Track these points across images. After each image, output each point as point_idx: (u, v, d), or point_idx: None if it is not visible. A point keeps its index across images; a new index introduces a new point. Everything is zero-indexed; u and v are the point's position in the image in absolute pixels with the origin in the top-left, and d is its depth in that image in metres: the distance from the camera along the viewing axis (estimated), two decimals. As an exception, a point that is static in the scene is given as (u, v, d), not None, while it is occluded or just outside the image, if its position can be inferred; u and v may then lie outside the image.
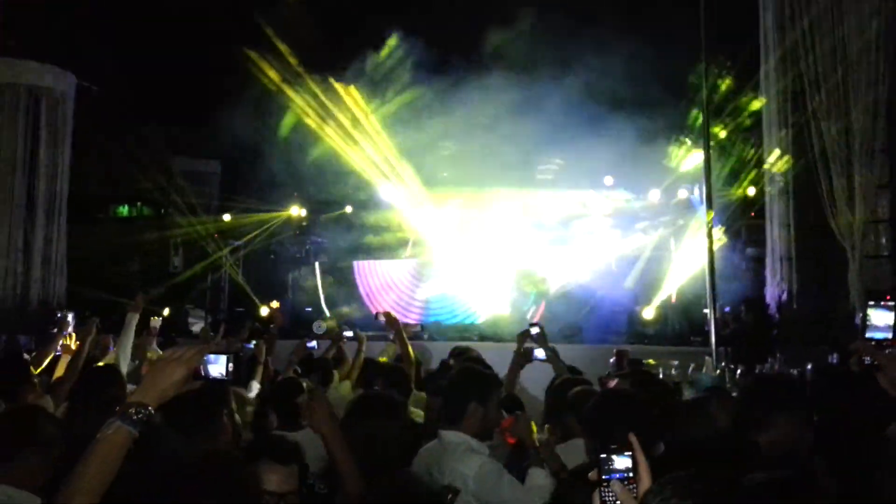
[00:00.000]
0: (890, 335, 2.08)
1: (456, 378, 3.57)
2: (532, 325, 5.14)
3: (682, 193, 11.90)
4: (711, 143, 8.34)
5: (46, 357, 4.82)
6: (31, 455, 2.86)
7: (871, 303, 2.11)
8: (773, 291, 8.47)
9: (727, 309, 10.06)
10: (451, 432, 3.23)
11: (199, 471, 1.97)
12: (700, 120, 8.44)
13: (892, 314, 2.09)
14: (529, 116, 10.42)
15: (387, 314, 6.24)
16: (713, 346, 7.19)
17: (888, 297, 2.11)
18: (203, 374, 2.12)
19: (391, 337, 6.21)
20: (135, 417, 1.90)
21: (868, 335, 2.10)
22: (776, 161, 8.29)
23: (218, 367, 2.17)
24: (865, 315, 2.10)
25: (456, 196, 12.22)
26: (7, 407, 3.68)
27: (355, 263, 12.67)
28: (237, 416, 3.75)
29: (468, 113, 10.55)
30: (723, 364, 6.65)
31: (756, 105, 9.38)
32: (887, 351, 2.06)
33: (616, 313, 10.96)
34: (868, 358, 2.08)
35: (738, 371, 6.16)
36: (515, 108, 10.51)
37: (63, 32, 10.23)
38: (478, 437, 3.23)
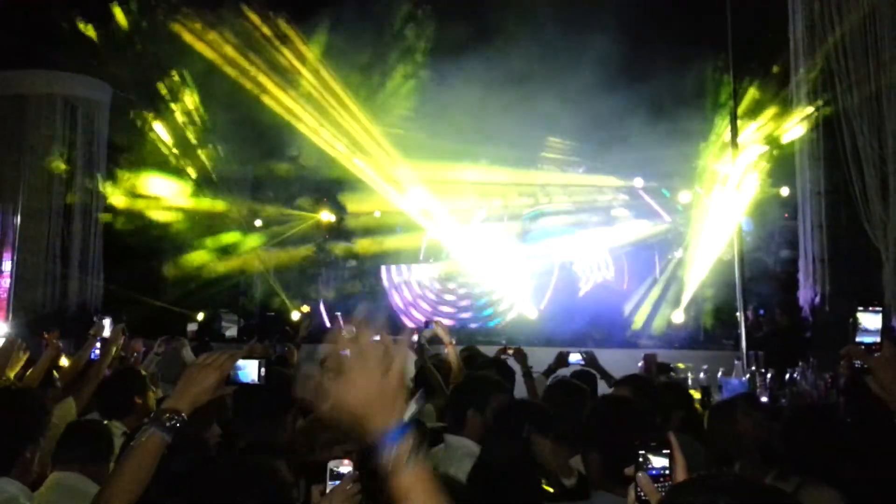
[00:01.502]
0: (879, 339, 2.10)
1: (456, 386, 3.67)
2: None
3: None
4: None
5: (82, 361, 4.88)
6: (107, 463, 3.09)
7: (861, 307, 2.13)
8: (807, 294, 8.34)
9: (762, 311, 9.95)
10: (456, 437, 3.31)
11: (236, 472, 2.01)
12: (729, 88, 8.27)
13: (881, 318, 2.11)
14: (551, 108, 10.37)
15: (438, 322, 6.17)
16: (743, 350, 7.12)
17: (877, 302, 2.14)
18: (234, 379, 2.16)
19: (413, 342, 6.08)
20: (168, 424, 1.95)
21: (858, 339, 2.12)
22: (808, 160, 8.17)
23: (249, 372, 2.19)
24: (856, 319, 2.12)
25: (478, 198, 12.28)
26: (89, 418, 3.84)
27: (383, 267, 12.76)
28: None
29: (486, 110, 10.46)
30: (752, 368, 6.58)
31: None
32: (876, 355, 2.08)
33: (648, 317, 10.90)
34: (858, 362, 2.10)
35: (769, 375, 6.09)
36: (536, 99, 10.45)
37: (99, 43, 10.47)
38: (481, 443, 3.28)
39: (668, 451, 1.57)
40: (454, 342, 5.36)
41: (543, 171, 12.49)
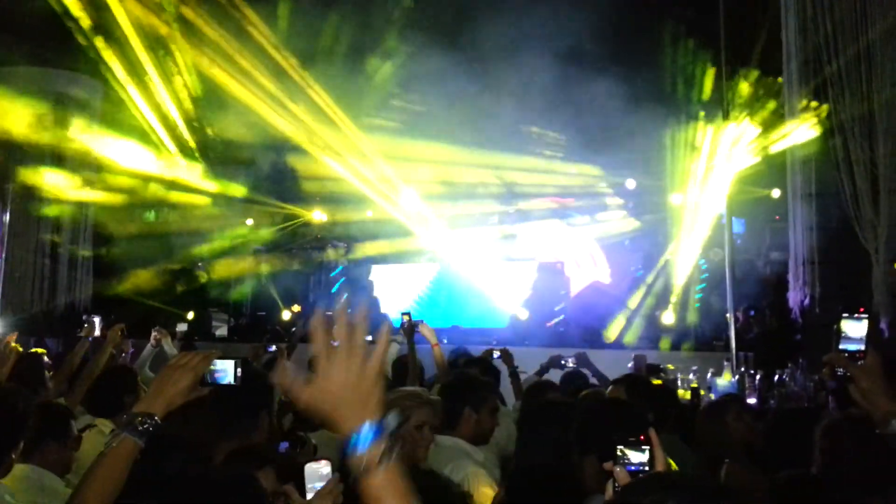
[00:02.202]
0: (863, 347, 2.09)
1: (450, 384, 3.64)
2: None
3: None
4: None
5: (75, 362, 4.85)
6: (57, 448, 3.12)
7: (845, 314, 2.12)
8: (797, 296, 8.37)
9: (752, 312, 9.97)
10: (447, 437, 3.27)
11: (210, 484, 1.98)
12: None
13: (866, 325, 2.11)
14: (541, 106, 10.37)
15: (422, 324, 5.80)
16: (733, 351, 7.14)
17: (861, 309, 2.13)
18: (210, 380, 2.09)
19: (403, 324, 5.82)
20: (140, 428, 1.89)
21: (841, 347, 2.11)
22: (799, 162, 8.19)
23: (226, 373, 2.12)
24: (839, 327, 2.11)
25: (468, 199, 12.29)
26: (40, 402, 3.81)
27: (374, 267, 12.73)
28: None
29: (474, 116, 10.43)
30: (742, 369, 6.60)
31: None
32: (860, 363, 2.07)
33: (637, 318, 10.89)
34: (841, 370, 2.09)
35: (758, 376, 6.12)
36: (525, 96, 10.45)
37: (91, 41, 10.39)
38: (473, 442, 3.27)
39: (648, 448, 1.58)
40: (443, 342, 5.34)
41: (534, 171, 12.49)
